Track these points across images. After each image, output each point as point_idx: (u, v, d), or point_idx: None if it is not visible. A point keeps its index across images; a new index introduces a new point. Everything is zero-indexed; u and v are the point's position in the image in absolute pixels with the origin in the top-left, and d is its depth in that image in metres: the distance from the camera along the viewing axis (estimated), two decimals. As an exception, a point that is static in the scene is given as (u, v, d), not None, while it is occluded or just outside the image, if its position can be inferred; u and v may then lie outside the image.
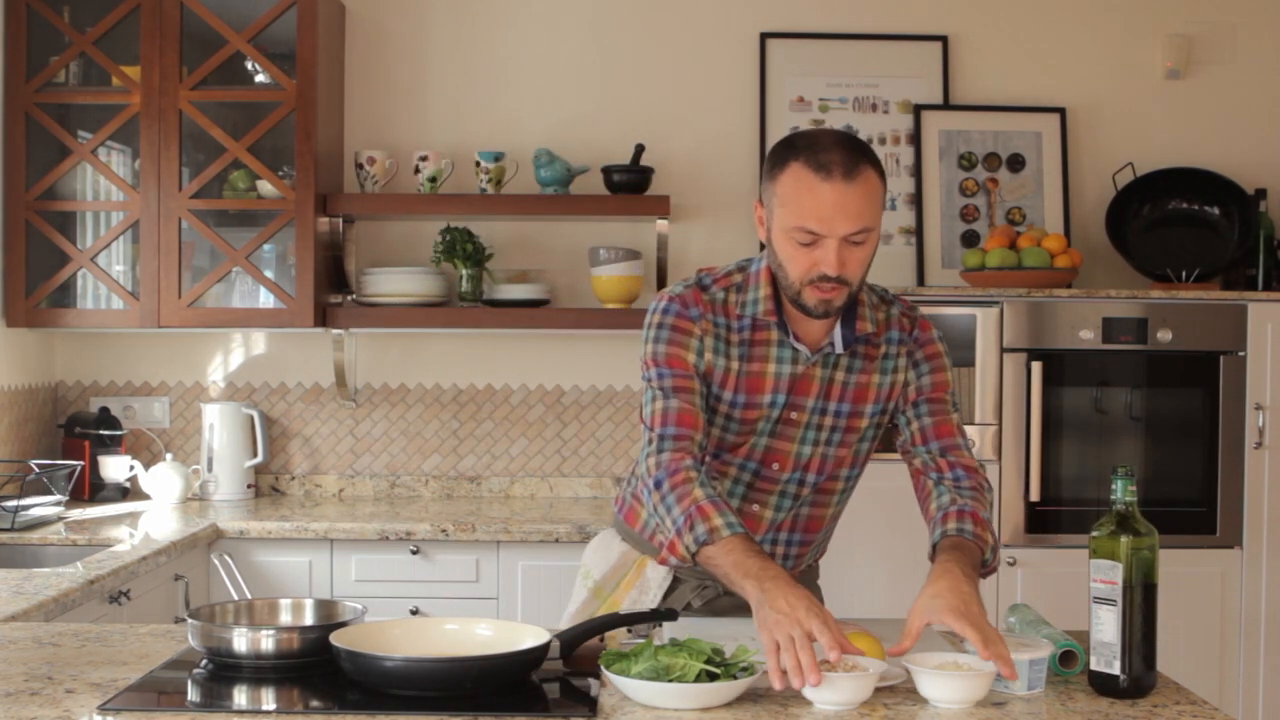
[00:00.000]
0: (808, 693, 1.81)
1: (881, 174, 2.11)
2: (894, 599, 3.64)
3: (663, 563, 2.14)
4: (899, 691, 1.93)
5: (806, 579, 2.43)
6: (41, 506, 3.52)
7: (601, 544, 2.45)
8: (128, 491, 4.04)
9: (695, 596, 2.32)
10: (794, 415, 2.22)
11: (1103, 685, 1.92)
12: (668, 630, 2.12)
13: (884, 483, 3.68)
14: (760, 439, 2.23)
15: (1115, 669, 1.90)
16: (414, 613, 3.54)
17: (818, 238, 2.05)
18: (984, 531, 2.14)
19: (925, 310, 3.64)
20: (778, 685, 1.81)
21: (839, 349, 2.19)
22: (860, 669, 1.86)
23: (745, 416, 2.21)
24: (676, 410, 2.14)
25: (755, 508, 2.28)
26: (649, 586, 2.32)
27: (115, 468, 3.98)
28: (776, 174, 2.09)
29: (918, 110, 4.20)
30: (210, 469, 4.03)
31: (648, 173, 4.04)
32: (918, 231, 4.16)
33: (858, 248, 2.07)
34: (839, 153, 2.05)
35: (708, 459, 2.20)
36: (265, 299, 3.98)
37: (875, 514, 3.68)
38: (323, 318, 3.95)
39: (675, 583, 2.33)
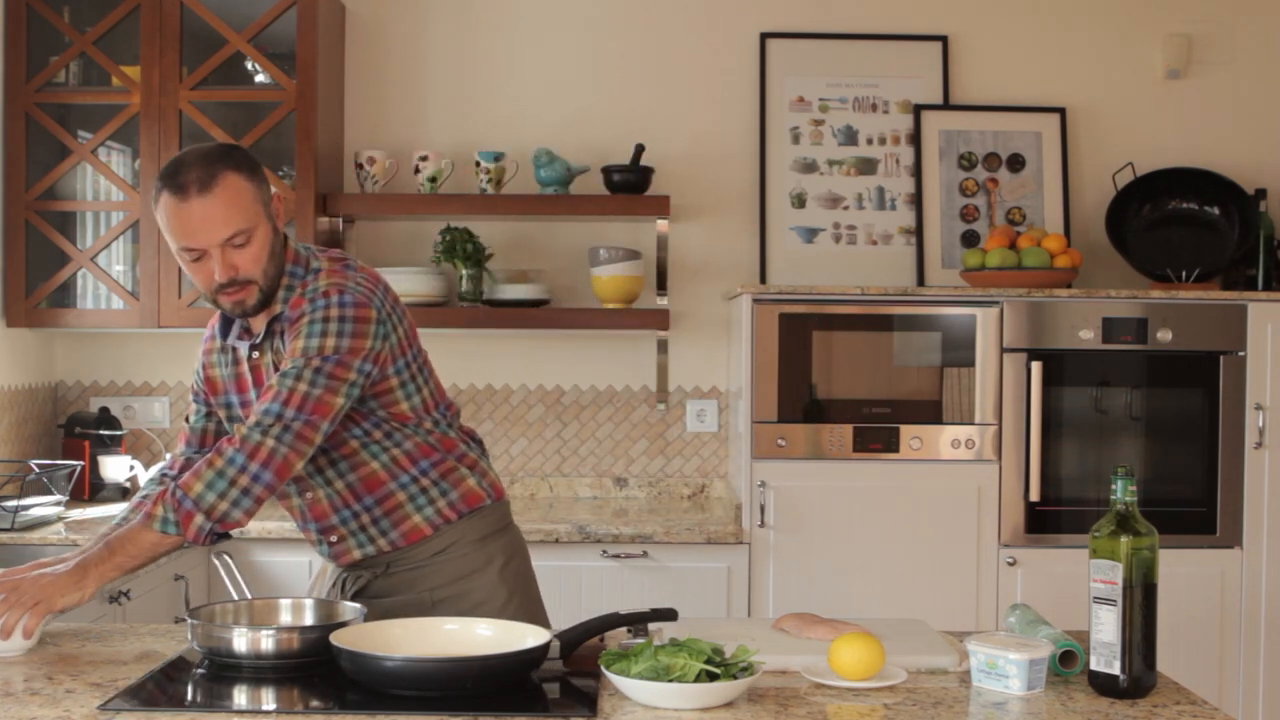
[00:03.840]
0: None
1: (250, 172, 2.22)
2: (894, 599, 3.64)
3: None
4: (899, 691, 1.93)
5: (490, 521, 2.45)
6: (41, 506, 3.52)
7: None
8: (128, 491, 4.04)
9: (351, 588, 2.43)
10: None
11: (1103, 685, 1.92)
12: (668, 630, 2.13)
13: (884, 483, 3.69)
14: None
15: (1115, 669, 1.90)
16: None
17: (201, 252, 2.20)
18: (155, 505, 2.15)
19: (925, 310, 3.68)
20: None
21: (260, 337, 2.31)
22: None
23: (246, 415, 2.35)
24: (182, 429, 2.51)
25: (309, 495, 2.38)
26: (325, 582, 2.51)
27: (115, 468, 3.98)
28: (155, 207, 2.22)
29: (918, 110, 4.20)
30: (210, 469, 4.02)
31: (648, 173, 4.04)
32: (918, 231, 4.16)
33: (242, 249, 2.21)
34: (194, 171, 2.17)
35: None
36: (265, 299, 3.98)
37: (875, 514, 3.68)
38: (323, 318, 3.95)
39: (343, 578, 2.45)
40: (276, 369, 2.28)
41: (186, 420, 2.52)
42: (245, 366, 2.35)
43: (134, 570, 2.19)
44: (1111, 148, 4.23)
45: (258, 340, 2.31)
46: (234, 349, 2.37)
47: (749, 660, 1.87)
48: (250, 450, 2.14)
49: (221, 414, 2.44)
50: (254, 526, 3.57)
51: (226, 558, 2.36)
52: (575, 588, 3.60)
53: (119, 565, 2.15)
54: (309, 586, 2.64)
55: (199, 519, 2.12)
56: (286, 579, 3.55)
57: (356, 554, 2.40)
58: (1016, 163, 4.20)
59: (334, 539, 2.40)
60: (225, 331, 2.37)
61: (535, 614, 2.49)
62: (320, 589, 2.53)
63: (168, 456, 2.56)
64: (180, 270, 3.89)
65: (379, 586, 2.41)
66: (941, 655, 2.07)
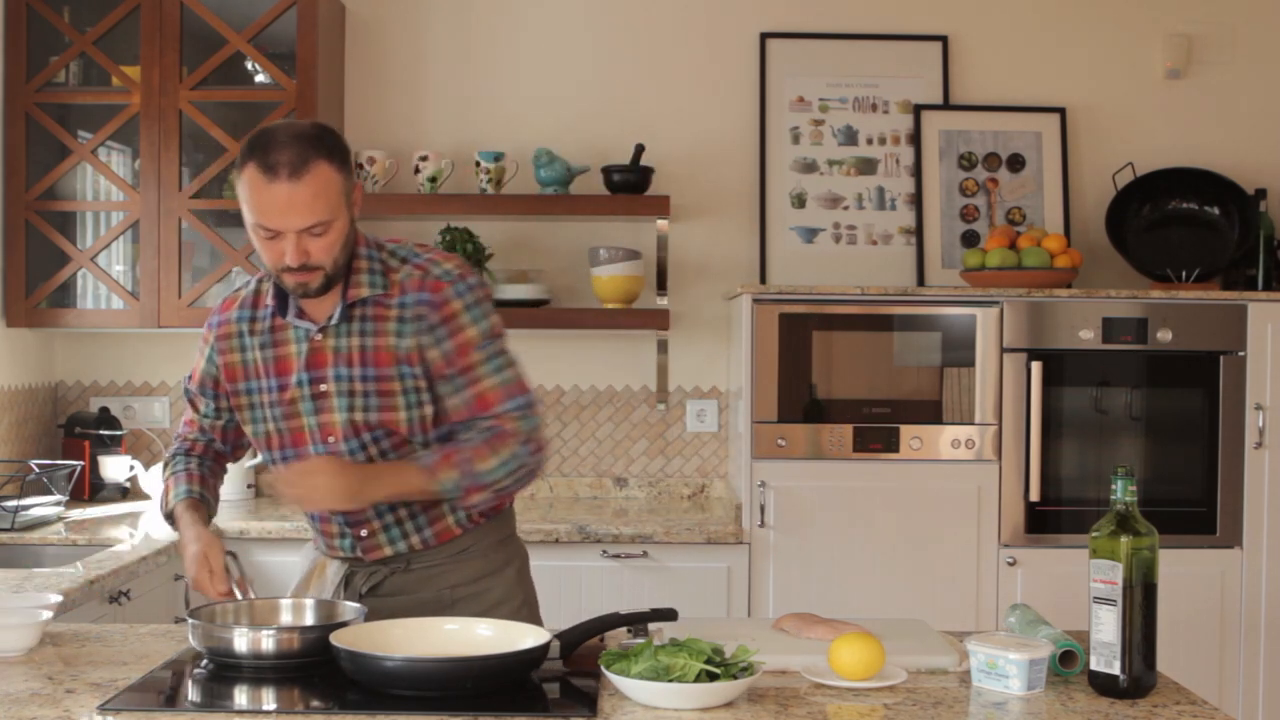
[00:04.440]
0: None
1: (341, 162, 2.23)
2: (894, 599, 3.64)
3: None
4: (899, 691, 1.93)
5: (492, 532, 2.45)
6: (41, 506, 3.52)
7: (303, 555, 2.61)
8: (128, 491, 4.05)
9: (363, 584, 2.40)
10: (323, 388, 2.30)
11: (1103, 685, 1.92)
12: (668, 630, 2.13)
13: (884, 483, 3.69)
14: (310, 418, 2.32)
15: (1115, 669, 1.90)
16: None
17: (277, 233, 2.17)
18: (440, 466, 2.24)
19: (925, 310, 3.68)
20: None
21: (335, 319, 2.28)
22: None
23: (283, 399, 2.33)
24: (186, 418, 2.54)
25: None
26: (327, 583, 2.45)
27: (115, 468, 3.98)
28: (238, 175, 2.20)
29: (918, 110, 4.20)
30: (210, 469, 4.02)
31: (648, 173, 4.04)
32: (918, 231, 4.16)
33: (319, 238, 2.19)
34: (288, 152, 2.15)
35: (278, 457, 2.38)
36: (265, 299, 3.98)
37: (875, 514, 3.68)
38: (323, 318, 3.95)
39: (350, 575, 2.42)
40: (362, 353, 2.26)
41: (196, 410, 2.49)
42: (296, 348, 2.31)
43: (395, 500, 2.30)
44: (1111, 148, 4.23)
45: (332, 322, 2.28)
46: (274, 330, 2.33)
47: (749, 660, 1.87)
48: (536, 444, 2.30)
49: (240, 401, 2.39)
50: (254, 526, 3.58)
51: (229, 557, 2.36)
52: (575, 588, 3.60)
53: (390, 497, 2.27)
54: (295, 586, 2.55)
55: (486, 494, 2.26)
56: (287, 579, 3.54)
57: (387, 550, 2.36)
58: (1016, 163, 4.20)
59: (364, 533, 2.36)
60: (283, 309, 2.32)
61: (538, 619, 2.50)
62: (321, 589, 2.47)
63: (180, 442, 2.55)
64: (180, 270, 3.91)
65: (396, 583, 2.38)
66: (941, 655, 2.07)
